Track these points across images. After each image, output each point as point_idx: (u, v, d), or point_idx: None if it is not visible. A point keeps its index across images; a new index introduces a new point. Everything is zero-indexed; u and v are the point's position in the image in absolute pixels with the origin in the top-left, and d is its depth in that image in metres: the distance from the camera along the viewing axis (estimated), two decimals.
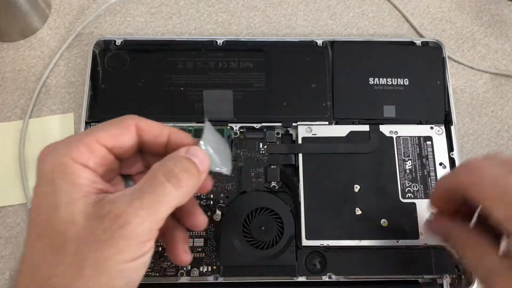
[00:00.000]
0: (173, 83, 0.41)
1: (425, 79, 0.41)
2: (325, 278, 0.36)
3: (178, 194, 0.22)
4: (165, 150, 0.25)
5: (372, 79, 0.41)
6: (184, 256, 0.26)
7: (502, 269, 0.25)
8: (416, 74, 0.41)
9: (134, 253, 0.21)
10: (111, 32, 0.46)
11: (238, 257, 0.36)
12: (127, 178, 0.27)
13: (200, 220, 0.27)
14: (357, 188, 0.37)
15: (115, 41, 0.42)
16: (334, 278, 0.36)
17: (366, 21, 0.47)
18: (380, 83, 0.41)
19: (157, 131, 0.25)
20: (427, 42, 0.43)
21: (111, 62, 0.42)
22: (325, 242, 0.36)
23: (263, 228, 0.36)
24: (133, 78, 0.41)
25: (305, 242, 0.36)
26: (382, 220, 0.37)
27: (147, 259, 0.22)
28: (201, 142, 0.25)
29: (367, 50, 0.42)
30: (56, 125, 0.42)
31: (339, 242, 0.36)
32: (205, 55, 0.42)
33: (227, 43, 0.43)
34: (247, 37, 0.44)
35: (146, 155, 0.27)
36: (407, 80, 0.41)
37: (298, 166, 0.38)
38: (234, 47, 0.42)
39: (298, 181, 0.37)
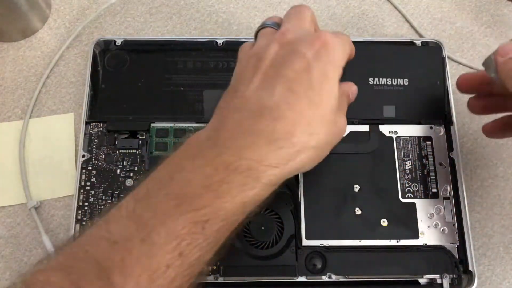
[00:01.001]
0: (173, 83, 0.41)
1: (425, 79, 0.41)
2: (325, 278, 0.36)
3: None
4: None
5: (372, 79, 0.41)
6: None
7: None
8: (416, 74, 0.41)
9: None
10: (111, 32, 0.46)
11: (238, 257, 0.36)
12: None
13: None
14: (357, 188, 0.37)
15: (115, 41, 0.42)
16: (334, 278, 0.36)
17: (366, 21, 0.47)
18: (380, 83, 0.41)
19: None
20: (427, 42, 0.43)
21: (111, 62, 0.42)
22: (325, 242, 0.36)
23: (263, 228, 0.36)
24: (133, 78, 0.41)
25: (305, 242, 0.36)
26: (382, 220, 0.37)
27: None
28: None
29: (367, 50, 0.42)
30: (56, 125, 0.42)
31: (339, 242, 0.36)
32: (205, 55, 0.42)
33: (227, 43, 0.43)
34: (247, 37, 0.44)
35: None
36: (407, 80, 0.41)
37: None
38: (234, 47, 0.42)
39: (298, 181, 0.37)
